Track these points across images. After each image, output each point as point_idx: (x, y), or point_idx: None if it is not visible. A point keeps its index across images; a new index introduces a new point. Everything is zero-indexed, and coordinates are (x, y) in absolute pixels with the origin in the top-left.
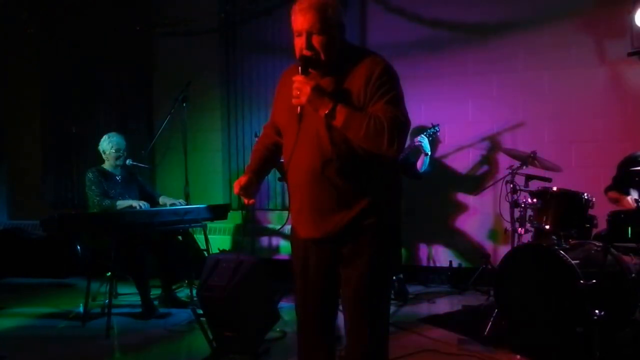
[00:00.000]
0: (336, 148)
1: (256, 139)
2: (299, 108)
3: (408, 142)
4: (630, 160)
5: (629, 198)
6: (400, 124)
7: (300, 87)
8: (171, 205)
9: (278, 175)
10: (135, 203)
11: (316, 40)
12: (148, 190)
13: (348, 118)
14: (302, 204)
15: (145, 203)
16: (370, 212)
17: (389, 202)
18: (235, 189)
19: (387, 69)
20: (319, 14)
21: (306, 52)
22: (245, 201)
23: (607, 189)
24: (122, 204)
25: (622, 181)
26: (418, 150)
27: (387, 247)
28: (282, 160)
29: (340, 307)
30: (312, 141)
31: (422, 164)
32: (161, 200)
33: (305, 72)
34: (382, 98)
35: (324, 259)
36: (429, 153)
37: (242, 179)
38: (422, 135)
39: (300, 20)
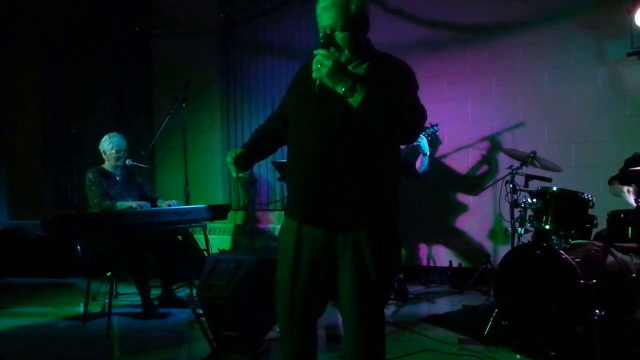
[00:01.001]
0: (348, 135)
1: None
2: (317, 83)
3: None
4: (637, 158)
5: (625, 189)
6: (414, 113)
7: (321, 60)
8: (167, 206)
9: (278, 175)
10: (135, 204)
11: (340, 38)
12: (146, 191)
13: (367, 96)
14: (306, 186)
15: (145, 203)
16: (373, 208)
17: (390, 201)
18: (228, 157)
19: (414, 77)
20: (341, 11)
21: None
22: (236, 173)
23: (612, 179)
24: (122, 205)
25: (626, 177)
26: (417, 150)
27: (387, 246)
28: (285, 161)
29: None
30: (324, 126)
31: (420, 164)
32: (158, 203)
33: (326, 47)
34: (403, 96)
35: (318, 249)
36: (428, 153)
37: (237, 150)
38: (421, 135)
39: (324, 18)
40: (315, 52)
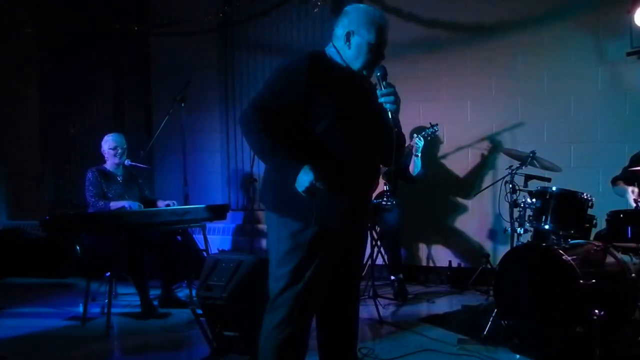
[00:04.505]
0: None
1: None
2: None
3: (407, 142)
4: None
5: (630, 189)
6: None
7: (395, 96)
8: (165, 206)
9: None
10: (127, 204)
11: None
12: (146, 194)
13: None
14: (362, 194)
15: (136, 203)
16: None
17: None
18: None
19: None
20: None
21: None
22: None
23: (615, 179)
24: (115, 205)
25: (628, 176)
26: (410, 152)
27: None
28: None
29: None
30: (381, 141)
31: (413, 166)
32: (158, 204)
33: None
34: None
35: (341, 249)
36: (419, 155)
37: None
38: (419, 136)
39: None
40: (388, 84)
